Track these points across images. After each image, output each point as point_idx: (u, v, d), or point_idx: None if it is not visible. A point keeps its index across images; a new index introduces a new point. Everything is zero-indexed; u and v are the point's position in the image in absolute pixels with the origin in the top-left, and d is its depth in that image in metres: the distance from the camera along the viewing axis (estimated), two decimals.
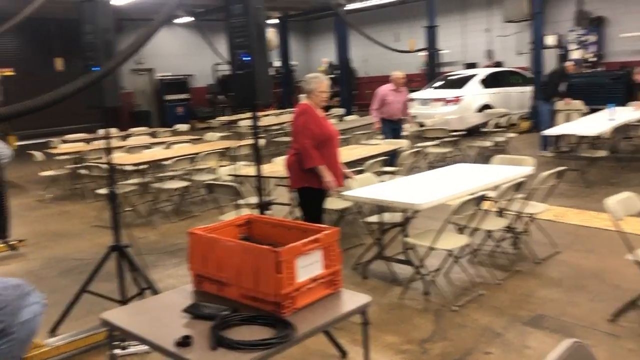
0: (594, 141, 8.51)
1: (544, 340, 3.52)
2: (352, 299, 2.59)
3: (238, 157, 7.79)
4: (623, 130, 9.06)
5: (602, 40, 15.00)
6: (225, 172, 6.42)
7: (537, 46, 12.52)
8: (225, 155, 8.10)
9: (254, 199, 4.73)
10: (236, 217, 3.05)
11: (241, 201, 5.05)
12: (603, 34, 15.00)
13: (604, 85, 12.34)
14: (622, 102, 9.92)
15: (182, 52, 19.76)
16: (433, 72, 15.17)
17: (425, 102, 12.77)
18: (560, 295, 4.19)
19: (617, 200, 3.74)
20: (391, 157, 7.15)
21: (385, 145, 7.30)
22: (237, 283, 2.52)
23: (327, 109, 14.05)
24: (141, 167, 7.49)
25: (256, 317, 2.33)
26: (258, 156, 4.12)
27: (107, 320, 2.47)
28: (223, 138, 9.93)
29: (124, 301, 3.87)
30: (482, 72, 13.66)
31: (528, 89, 12.89)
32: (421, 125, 11.13)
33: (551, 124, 9.75)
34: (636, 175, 7.66)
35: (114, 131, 10.76)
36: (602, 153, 8.00)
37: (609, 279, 4.38)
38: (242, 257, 2.49)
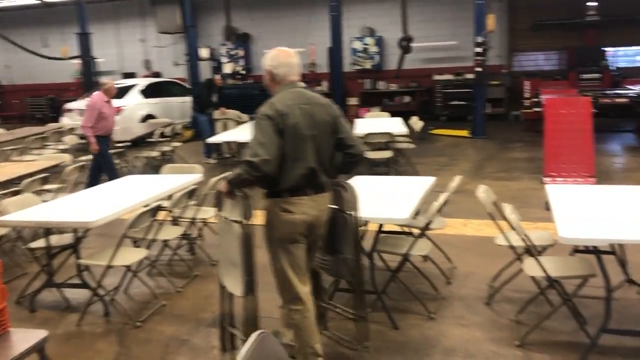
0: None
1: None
2: (24, 338, 2.29)
3: None
4: None
5: (249, 55, 16.57)
6: None
7: (193, 58, 13.13)
8: None
9: None
10: None
11: None
12: (249, 49, 16.58)
13: (253, 96, 13.65)
14: None
15: None
16: (90, 81, 14.48)
17: (83, 112, 12.03)
18: None
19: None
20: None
21: (43, 161, 6.63)
22: None
23: None
24: None
25: None
26: None
27: None
28: None
29: None
30: (142, 82, 13.59)
31: (188, 99, 13.37)
32: (82, 137, 10.47)
33: (211, 132, 10.30)
34: None
35: None
36: None
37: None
38: None
